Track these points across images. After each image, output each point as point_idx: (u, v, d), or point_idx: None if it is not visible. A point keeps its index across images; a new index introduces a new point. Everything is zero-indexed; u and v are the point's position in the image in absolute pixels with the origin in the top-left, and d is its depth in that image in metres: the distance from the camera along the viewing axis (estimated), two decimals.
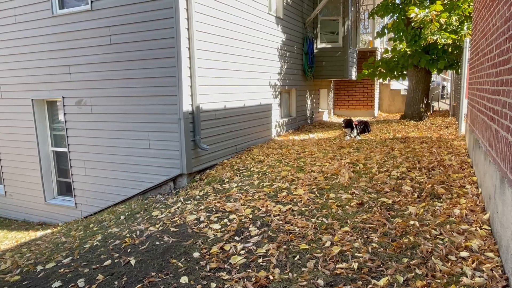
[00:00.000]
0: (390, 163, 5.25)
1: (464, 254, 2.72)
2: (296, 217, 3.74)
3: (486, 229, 3.06)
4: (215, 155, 6.47)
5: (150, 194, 6.02)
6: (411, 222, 3.34)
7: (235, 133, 7.03)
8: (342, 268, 2.72)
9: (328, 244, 3.11)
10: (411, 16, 8.37)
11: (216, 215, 4.08)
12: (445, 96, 15.56)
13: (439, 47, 8.95)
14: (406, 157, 5.50)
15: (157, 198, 5.67)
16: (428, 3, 9.07)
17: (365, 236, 3.19)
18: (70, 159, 6.80)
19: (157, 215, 4.63)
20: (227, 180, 5.50)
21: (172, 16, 5.42)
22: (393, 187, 4.30)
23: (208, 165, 6.29)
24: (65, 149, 6.90)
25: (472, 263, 2.59)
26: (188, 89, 5.66)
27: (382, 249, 2.94)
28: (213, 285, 2.74)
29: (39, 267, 3.68)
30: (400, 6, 9.65)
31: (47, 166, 7.28)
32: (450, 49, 9.02)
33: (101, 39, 6.04)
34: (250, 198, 4.49)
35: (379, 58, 12.52)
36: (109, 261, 3.42)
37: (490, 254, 2.67)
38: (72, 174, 6.83)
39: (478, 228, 3.09)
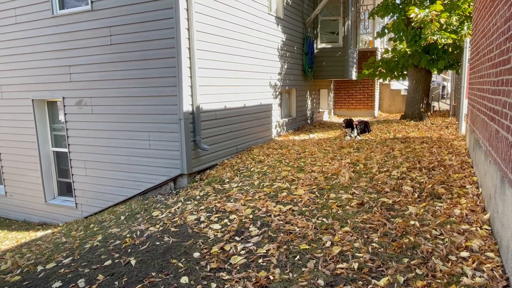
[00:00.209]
0: (390, 163, 5.25)
1: (464, 254, 2.72)
2: (296, 217, 3.74)
3: (486, 229, 3.06)
4: (216, 155, 6.47)
5: (151, 194, 6.02)
6: (412, 222, 3.34)
7: (235, 133, 7.03)
8: (342, 268, 2.72)
9: (328, 244, 3.11)
10: (411, 16, 8.37)
11: (216, 215, 4.08)
12: (445, 96, 15.56)
13: (439, 47, 8.95)
14: (407, 157, 5.50)
15: (158, 198, 5.67)
16: (428, 3, 9.06)
17: (366, 236, 3.18)
18: (70, 159, 6.80)
19: (158, 215, 4.63)
20: (228, 180, 5.50)
21: (172, 16, 5.42)
22: (393, 187, 4.30)
23: (209, 165, 6.29)
24: (66, 149, 6.90)
25: (473, 263, 2.59)
26: (188, 89, 5.66)
27: (382, 249, 2.94)
28: (214, 285, 2.74)
29: (39, 267, 3.68)
30: (400, 6, 9.65)
31: (48, 166, 7.28)
32: (450, 49, 9.02)
33: (101, 39, 6.04)
34: (251, 198, 4.49)
35: (379, 58, 12.52)
36: (109, 261, 3.42)
37: (491, 254, 2.67)
38: (72, 174, 6.84)
39: (478, 228, 3.09)
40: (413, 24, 8.66)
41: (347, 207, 3.87)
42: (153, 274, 3.03)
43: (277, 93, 8.75)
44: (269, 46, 8.28)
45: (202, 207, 4.44)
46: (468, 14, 8.62)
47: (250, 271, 2.87)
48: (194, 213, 4.29)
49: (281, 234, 3.40)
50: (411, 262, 2.69)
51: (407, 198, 3.95)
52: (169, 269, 3.07)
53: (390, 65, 10.06)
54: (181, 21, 5.41)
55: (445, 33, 8.39)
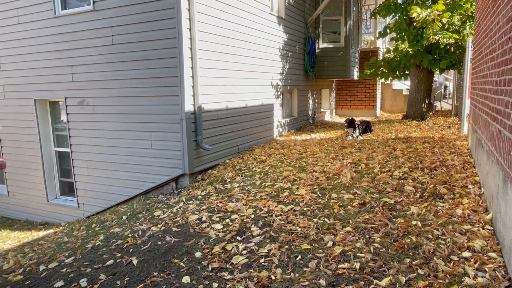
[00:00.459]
0: (392, 163, 5.24)
1: (466, 254, 2.72)
2: (298, 217, 3.74)
3: (488, 229, 3.05)
4: (217, 155, 6.47)
5: (152, 194, 6.03)
6: (413, 222, 3.33)
7: (237, 133, 7.04)
8: (344, 268, 2.72)
9: (330, 244, 3.11)
10: (413, 16, 8.35)
11: (218, 215, 4.09)
12: (447, 96, 15.52)
13: (442, 47, 8.93)
14: (408, 157, 5.49)
15: (159, 198, 5.68)
16: (430, 3, 9.05)
17: (367, 236, 3.18)
18: (72, 159, 6.82)
19: (159, 215, 4.64)
20: (229, 180, 5.50)
21: (174, 16, 5.43)
22: (395, 187, 4.29)
23: (210, 165, 6.29)
24: (68, 149, 6.92)
25: (475, 263, 2.58)
26: (190, 89, 5.67)
27: (384, 249, 2.94)
28: (215, 285, 2.74)
29: (41, 267, 3.69)
30: (402, 6, 9.63)
31: (50, 166, 7.30)
32: (452, 49, 9.00)
33: (103, 40, 6.05)
34: (252, 198, 4.49)
35: (381, 58, 12.50)
36: (111, 261, 3.43)
37: (493, 255, 2.66)
38: (74, 174, 6.85)
39: (480, 228, 3.08)
40: (415, 23, 8.64)
41: (349, 207, 3.86)
42: (155, 273, 3.04)
43: (279, 93, 8.75)
44: (271, 46, 8.28)
45: (204, 207, 4.45)
46: (470, 14, 8.60)
47: (252, 271, 2.87)
48: (196, 213, 4.30)
49: (283, 234, 3.40)
50: (413, 262, 2.68)
51: (409, 198, 3.95)
52: (171, 269, 3.07)
53: (392, 65, 10.04)
54: (183, 21, 5.42)
55: (447, 33, 8.38)
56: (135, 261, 3.31)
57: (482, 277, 2.42)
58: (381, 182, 4.49)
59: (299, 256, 2.99)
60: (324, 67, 10.84)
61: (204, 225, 3.89)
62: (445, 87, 15.85)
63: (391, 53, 10.36)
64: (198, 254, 3.26)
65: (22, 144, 7.36)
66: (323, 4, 9.91)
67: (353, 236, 3.21)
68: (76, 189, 6.90)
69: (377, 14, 10.46)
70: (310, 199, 4.18)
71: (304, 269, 2.80)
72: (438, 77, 16.24)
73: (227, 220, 3.91)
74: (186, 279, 2.87)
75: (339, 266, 2.76)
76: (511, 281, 2.33)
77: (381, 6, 10.07)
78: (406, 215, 3.53)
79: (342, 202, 4.02)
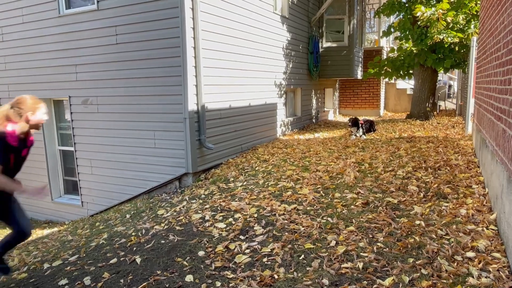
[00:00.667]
0: (395, 163, 5.22)
1: (470, 254, 2.71)
2: (301, 217, 3.74)
3: (492, 229, 3.04)
4: (220, 154, 6.48)
5: (156, 193, 6.05)
6: (417, 222, 3.32)
7: (240, 133, 7.04)
8: (347, 268, 2.71)
9: (333, 243, 3.11)
10: (418, 14, 8.31)
11: (221, 214, 4.09)
12: (451, 95, 15.45)
13: (446, 46, 8.89)
14: (412, 157, 5.47)
15: (163, 197, 5.69)
16: (434, 2, 9.00)
17: (371, 236, 3.17)
18: (76, 158, 6.85)
19: (163, 214, 4.65)
20: (232, 179, 5.51)
21: (177, 15, 5.44)
22: (398, 186, 4.28)
23: (213, 164, 6.30)
24: (72, 148, 6.95)
25: (479, 263, 2.57)
26: (194, 88, 5.67)
27: (387, 249, 2.93)
28: (218, 283, 2.75)
29: (45, 265, 3.71)
30: (406, 5, 9.58)
31: (54, 165, 7.33)
32: (457, 48, 8.95)
33: (107, 39, 6.07)
34: (255, 197, 4.50)
35: (385, 57, 12.46)
36: (115, 259, 3.44)
37: (497, 255, 2.65)
38: (78, 173, 6.88)
39: (484, 228, 3.07)
40: (419, 22, 8.60)
41: (352, 206, 3.86)
42: (158, 272, 3.05)
43: (282, 92, 8.74)
44: (274, 45, 8.27)
45: (207, 206, 4.45)
46: (475, 13, 8.54)
47: (255, 270, 2.87)
48: (199, 212, 4.30)
49: (286, 233, 3.40)
50: (417, 262, 2.68)
51: (412, 198, 3.94)
52: (174, 268, 3.08)
53: (396, 64, 10.00)
54: (187, 21, 5.43)
55: (452, 32, 8.33)
56: (138, 260, 3.32)
57: (486, 277, 2.41)
58: (385, 182, 4.48)
59: (302, 256, 2.98)
60: (328, 66, 10.82)
61: (207, 224, 3.90)
62: (450, 86, 15.78)
63: (395, 52, 10.33)
64: (201, 253, 3.26)
65: None
66: (326, 3, 9.89)
67: (356, 235, 3.20)
68: (80, 187, 6.93)
69: (381, 13, 10.42)
70: (313, 198, 4.18)
71: (307, 268, 2.80)
72: (442, 76, 16.17)
73: (230, 219, 3.91)
74: (189, 278, 2.87)
75: (342, 265, 2.76)
76: None
77: (385, 5, 10.02)
78: (409, 215, 3.52)
79: (346, 201, 4.01)
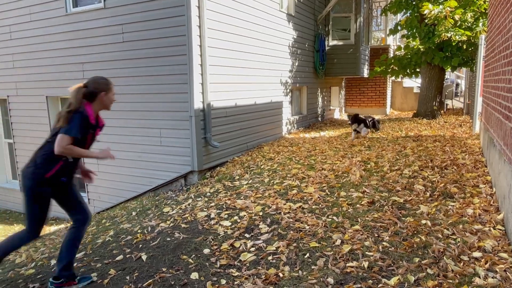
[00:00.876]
0: (402, 162, 5.19)
1: (477, 254, 2.69)
2: (306, 215, 3.74)
3: (500, 230, 3.01)
4: (226, 152, 6.48)
5: (161, 190, 6.08)
6: (423, 222, 3.30)
7: (245, 131, 7.04)
8: (352, 267, 2.71)
9: (338, 242, 3.10)
10: (425, 12, 8.24)
11: (226, 212, 4.10)
12: (459, 94, 15.31)
13: (454, 44, 8.81)
14: (419, 156, 5.44)
15: (168, 194, 5.72)
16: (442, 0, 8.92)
17: (376, 235, 3.17)
18: None
19: (168, 211, 4.67)
20: (238, 177, 5.51)
21: (184, 13, 5.44)
22: (405, 186, 4.26)
23: (219, 162, 6.31)
24: None
25: (485, 263, 2.55)
26: (199, 86, 5.68)
27: (393, 248, 2.92)
28: (223, 281, 2.76)
29: (52, 261, 3.75)
30: (414, 3, 9.51)
31: None
32: (464, 46, 8.87)
33: (113, 37, 6.10)
34: (261, 195, 4.50)
35: (391, 55, 12.38)
36: (121, 256, 3.47)
37: (504, 255, 2.63)
38: None
39: (491, 228, 3.04)
40: (426, 20, 8.53)
41: (358, 205, 3.85)
42: (164, 269, 3.06)
43: (288, 90, 8.73)
44: (280, 43, 8.25)
45: (213, 204, 4.47)
46: (484, 11, 8.45)
47: (260, 268, 2.88)
48: (205, 209, 4.32)
49: (291, 232, 3.40)
50: (422, 262, 2.66)
51: (418, 197, 3.91)
52: (180, 265, 3.10)
53: (403, 63, 9.93)
54: (193, 19, 5.43)
55: (460, 30, 8.25)
56: (144, 257, 3.34)
57: (492, 277, 2.39)
58: (391, 181, 4.46)
59: (307, 254, 2.98)
60: (334, 64, 10.77)
61: (212, 222, 3.91)
62: (457, 85, 15.64)
63: (402, 50, 10.25)
64: (206, 251, 3.28)
65: (34, 140, 7.44)
66: (333, 1, 9.84)
67: (361, 234, 3.20)
68: (86, 185, 6.98)
69: (388, 11, 10.35)
70: (318, 197, 4.17)
71: (312, 267, 2.80)
72: (449, 75, 16.03)
73: (236, 217, 3.92)
74: (194, 275, 2.89)
75: (347, 264, 2.75)
76: None
77: (392, 3, 9.95)
78: (415, 214, 3.51)
79: (351, 200, 4.00)
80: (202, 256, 3.20)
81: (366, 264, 2.71)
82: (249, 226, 3.66)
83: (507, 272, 2.42)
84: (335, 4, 10.24)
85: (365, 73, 11.65)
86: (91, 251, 3.81)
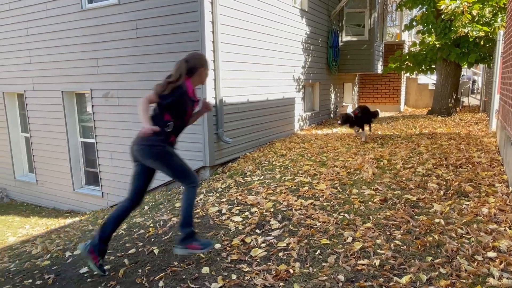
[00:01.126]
0: (415, 160, 5.13)
1: (491, 254, 2.64)
2: (317, 212, 3.73)
3: None
4: (238, 148, 6.50)
5: (174, 185, 6.13)
6: (436, 220, 3.26)
7: (257, 127, 7.04)
8: (363, 265, 2.69)
9: (349, 240, 3.09)
10: (441, 7, 8.08)
11: (237, 207, 4.12)
12: (475, 91, 15.01)
13: (471, 40, 8.62)
14: (433, 154, 5.36)
15: (180, 189, 5.76)
16: None
17: (388, 233, 3.14)
18: (97, 150, 7.00)
19: (180, 206, 4.71)
20: (249, 173, 5.52)
21: (197, 9, 5.45)
22: (418, 184, 4.21)
23: (231, 158, 6.33)
24: (93, 140, 7.10)
25: (500, 264, 2.51)
26: (212, 82, 5.70)
27: (405, 246, 2.90)
28: (234, 276, 2.77)
29: (67, 253, 3.83)
30: None
31: (76, 157, 7.52)
32: (482, 42, 8.67)
33: (127, 33, 6.15)
34: (272, 191, 4.50)
35: (406, 51, 12.19)
36: (133, 250, 3.52)
37: None
38: (99, 165, 7.04)
39: (507, 228, 2.99)
40: (443, 16, 8.37)
41: (370, 203, 3.82)
42: (175, 263, 3.10)
43: (301, 86, 8.68)
44: (293, 39, 8.21)
45: (224, 199, 4.49)
46: (503, 5, 8.25)
47: (270, 264, 2.89)
48: (216, 205, 4.34)
49: (302, 228, 3.40)
50: (435, 261, 2.63)
51: (432, 196, 3.86)
52: (191, 259, 3.13)
53: (418, 59, 9.77)
54: (206, 14, 5.44)
55: (477, 26, 8.07)
56: (156, 251, 3.38)
57: (507, 278, 2.35)
58: (404, 179, 4.41)
59: (318, 251, 2.98)
60: (347, 60, 10.67)
61: (223, 217, 3.93)
62: (474, 81, 15.33)
63: (417, 46, 10.08)
64: (217, 246, 3.30)
65: (50, 134, 7.61)
66: None
67: (373, 232, 3.17)
68: (100, 179, 7.09)
69: (403, 6, 10.17)
70: (330, 194, 4.15)
71: (323, 264, 2.79)
72: (466, 72, 15.71)
73: (247, 213, 3.94)
74: (205, 270, 2.91)
75: (358, 262, 2.74)
76: None
77: None
78: (429, 213, 3.46)
79: (363, 198, 3.97)
80: (213, 251, 3.22)
81: (377, 262, 2.70)
82: (260, 222, 3.67)
83: None
84: (349, 0, 10.12)
85: (379, 69, 11.50)
86: None
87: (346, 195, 4.10)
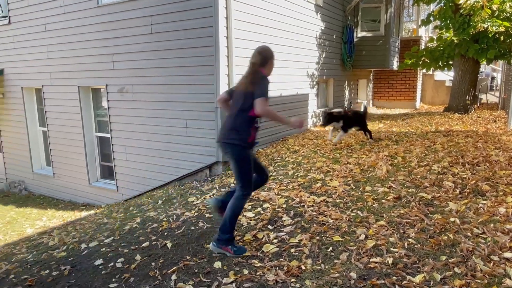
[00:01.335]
0: (431, 157, 5.05)
1: (508, 255, 2.59)
2: (330, 209, 3.71)
3: None
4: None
5: (187, 180, 6.18)
6: (452, 219, 3.21)
7: (270, 123, 7.01)
8: (376, 262, 2.67)
9: (362, 237, 3.07)
10: (460, 2, 7.90)
11: (250, 203, 4.13)
12: (494, 88, 14.65)
13: (490, 35, 8.39)
14: (449, 152, 5.26)
15: (193, 184, 5.81)
16: None
17: (402, 231, 3.11)
18: (112, 144, 7.10)
19: (193, 201, 4.75)
20: None
21: (211, 5, 5.46)
22: (433, 182, 4.14)
23: None
24: (108, 135, 7.21)
25: None
26: (225, 77, 5.71)
27: (419, 245, 2.86)
28: (246, 271, 2.79)
29: (83, 245, 3.91)
30: None
31: (91, 151, 7.64)
32: (502, 38, 8.44)
33: (142, 28, 6.20)
34: (284, 188, 4.50)
35: (423, 47, 11.97)
36: (147, 243, 3.57)
37: None
38: (114, 159, 7.14)
39: None
40: (461, 11, 8.18)
41: (383, 200, 3.78)
42: (188, 257, 3.13)
43: (314, 82, 8.62)
44: (307, 35, 8.14)
45: None
46: None
47: (282, 260, 2.89)
48: None
49: (314, 225, 3.39)
50: (449, 260, 2.60)
51: (447, 194, 3.80)
52: (203, 254, 3.16)
53: (435, 55, 9.58)
54: (220, 10, 5.44)
55: (497, 21, 7.86)
56: (169, 244, 3.42)
57: None
58: (418, 177, 4.34)
59: (330, 248, 2.97)
60: (362, 56, 10.54)
61: None
62: (492, 78, 14.95)
63: (434, 42, 9.88)
64: None
65: (67, 128, 7.75)
66: None
67: (386, 230, 3.14)
68: (115, 173, 7.20)
69: (421, 1, 9.97)
70: (343, 191, 4.12)
71: (335, 261, 2.78)
72: (484, 68, 15.35)
73: (259, 209, 3.94)
74: (217, 265, 2.93)
75: (371, 260, 2.72)
76: None
77: None
78: (444, 212, 3.41)
79: (377, 195, 3.93)
80: None
81: (390, 260, 2.67)
82: (272, 218, 3.67)
83: None
84: None
85: (395, 65, 11.33)
86: (119, 237, 3.94)
87: (359, 192, 4.06)
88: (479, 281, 2.34)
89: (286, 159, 5.79)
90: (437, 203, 3.62)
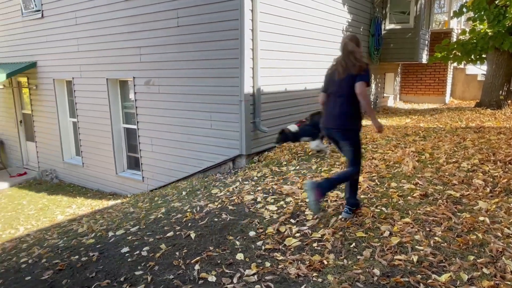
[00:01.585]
0: (460, 154, 4.89)
1: None
2: None
3: None
4: (274, 137, 6.48)
5: (210, 172, 6.25)
6: (481, 218, 3.11)
7: (295, 117, 6.97)
8: (400, 260, 2.63)
9: (386, 234, 3.02)
10: None
11: (272, 196, 4.14)
12: None
13: None
14: (480, 148, 5.08)
15: (217, 176, 5.87)
16: None
17: (428, 229, 3.04)
18: (138, 136, 7.26)
19: (216, 193, 4.81)
20: (285, 163, 5.52)
21: None
22: (462, 179, 4.02)
23: (267, 147, 6.34)
24: (135, 126, 7.37)
25: None
26: (250, 71, 5.70)
27: (445, 244, 2.79)
28: (268, 264, 2.80)
29: (110, 233, 4.03)
30: None
31: (119, 142, 7.85)
32: None
33: (169, 22, 6.27)
34: None
35: (454, 40, 11.54)
36: (171, 233, 3.64)
37: None
38: (140, 150, 7.31)
39: None
40: (497, 1, 7.83)
41: (409, 197, 3.70)
42: (211, 248, 3.18)
43: None
44: (333, 27, 8.00)
45: (259, 188, 4.52)
46: None
47: (304, 254, 2.89)
48: (251, 193, 4.39)
49: (337, 220, 3.36)
50: (478, 260, 2.52)
51: (477, 192, 3.68)
52: (226, 245, 3.19)
53: (467, 48, 9.21)
54: (245, 3, 5.42)
55: None
56: (192, 235, 3.48)
57: None
58: (447, 174, 4.22)
59: (353, 244, 2.94)
60: (390, 49, 10.27)
61: (258, 205, 3.97)
62: None
63: (467, 34, 9.50)
64: (252, 233, 3.34)
65: (95, 120, 7.97)
66: None
67: (412, 227, 3.08)
68: (141, 164, 7.37)
69: None
70: (367, 186, 4.06)
71: (358, 257, 2.76)
72: None
73: (282, 202, 3.95)
74: (239, 256, 2.96)
75: (395, 257, 2.68)
76: None
77: None
78: (473, 210, 3.31)
79: (402, 192, 3.85)
80: (248, 238, 3.27)
81: (415, 258, 2.62)
82: (294, 212, 3.67)
83: None
84: None
85: (424, 58, 10.99)
86: (144, 226, 4.04)
87: (384, 188, 3.99)
88: (509, 282, 2.27)
89: (310, 153, 5.75)
90: (465, 202, 3.51)
